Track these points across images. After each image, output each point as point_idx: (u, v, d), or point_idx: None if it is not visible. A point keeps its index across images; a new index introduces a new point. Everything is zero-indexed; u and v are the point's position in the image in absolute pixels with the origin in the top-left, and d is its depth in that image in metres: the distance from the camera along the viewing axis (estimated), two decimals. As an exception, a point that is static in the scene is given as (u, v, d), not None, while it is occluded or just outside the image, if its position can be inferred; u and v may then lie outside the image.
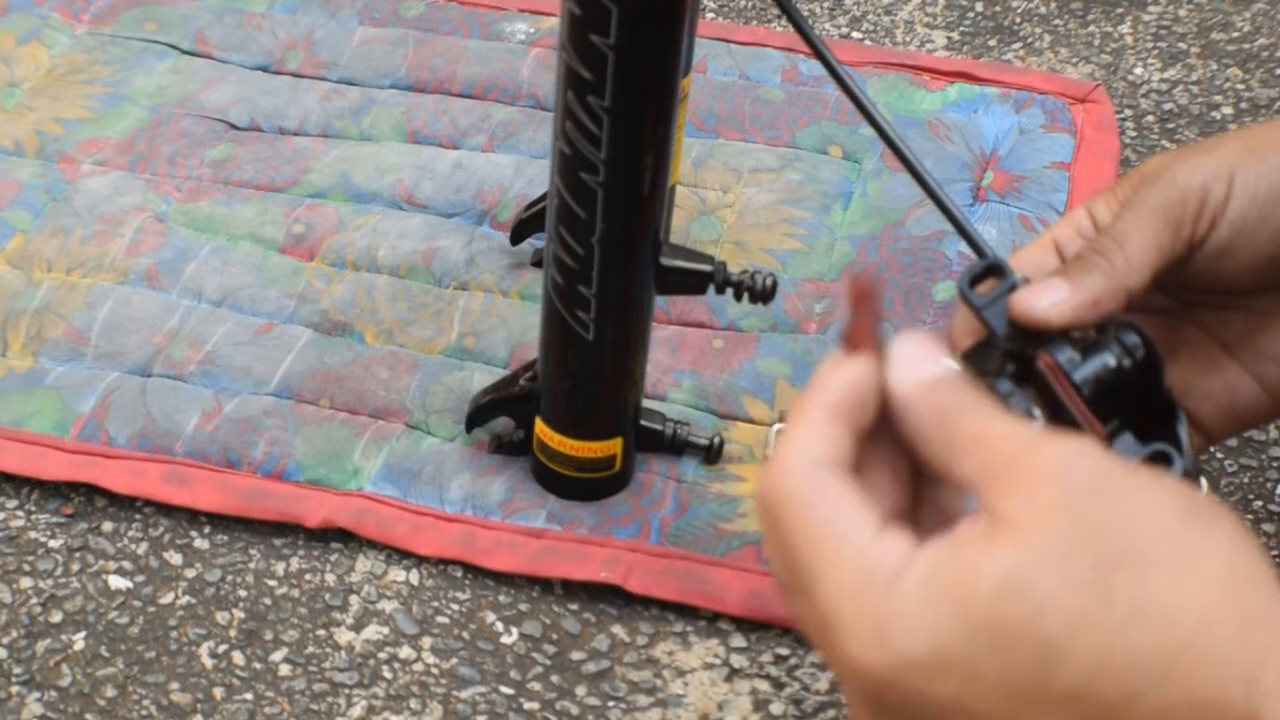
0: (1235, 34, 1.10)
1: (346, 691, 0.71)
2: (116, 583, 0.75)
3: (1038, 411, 0.54)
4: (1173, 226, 0.60)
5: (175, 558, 0.76)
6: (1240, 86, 1.06)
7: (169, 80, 1.02)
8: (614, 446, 0.76)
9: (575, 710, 0.71)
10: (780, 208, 0.94)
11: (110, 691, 0.71)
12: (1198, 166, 0.60)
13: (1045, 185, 0.96)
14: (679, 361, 0.85)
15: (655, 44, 0.65)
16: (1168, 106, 1.04)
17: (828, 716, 0.71)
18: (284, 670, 0.72)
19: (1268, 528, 0.79)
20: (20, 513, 0.78)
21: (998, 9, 1.12)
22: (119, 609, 0.74)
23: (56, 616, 0.74)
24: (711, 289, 0.74)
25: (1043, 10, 1.12)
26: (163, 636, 0.73)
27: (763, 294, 0.74)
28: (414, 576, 0.76)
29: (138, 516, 0.78)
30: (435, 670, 0.72)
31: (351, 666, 0.72)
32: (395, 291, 0.88)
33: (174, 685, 0.71)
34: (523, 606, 0.75)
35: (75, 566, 0.76)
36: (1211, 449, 0.82)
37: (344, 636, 0.73)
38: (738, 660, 0.73)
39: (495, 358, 0.85)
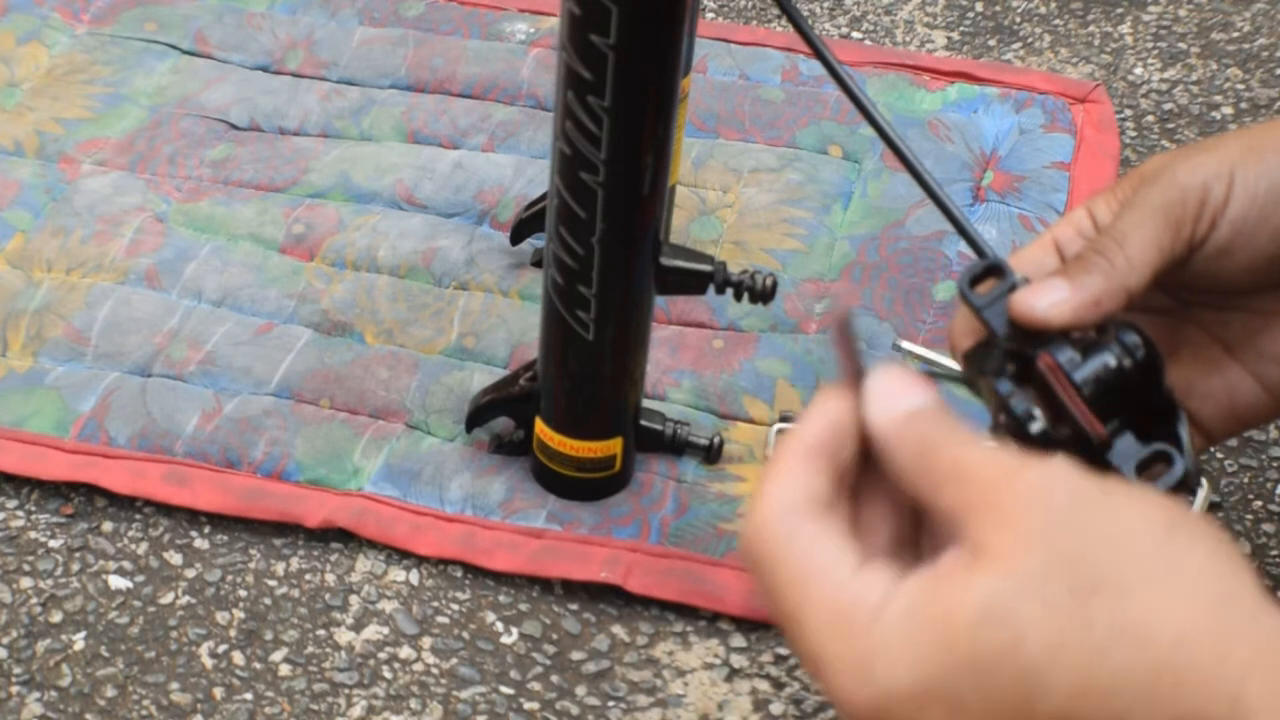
0: (1235, 34, 1.10)
1: (346, 691, 0.71)
2: (116, 583, 0.75)
3: (1038, 412, 0.54)
4: (1173, 226, 0.60)
5: (175, 558, 0.76)
6: (1240, 86, 1.06)
7: (169, 80, 1.02)
8: (614, 446, 0.76)
9: (575, 710, 0.71)
10: (780, 208, 0.94)
11: (110, 691, 0.71)
12: (1198, 166, 0.60)
13: (1045, 185, 0.96)
14: (679, 361, 0.85)
15: (655, 44, 0.65)
16: (1168, 106, 1.04)
17: (828, 716, 0.71)
18: (284, 670, 0.72)
19: (1268, 528, 0.79)
20: (20, 513, 0.78)
21: (998, 9, 1.12)
22: (119, 609, 0.74)
23: (56, 616, 0.74)
24: (711, 289, 0.74)
25: (1043, 10, 1.12)
26: (163, 636, 0.73)
27: (763, 294, 0.74)
28: (414, 576, 0.76)
29: (138, 516, 0.78)
30: (435, 670, 0.72)
31: (351, 666, 0.72)
32: (395, 291, 0.88)
33: (174, 685, 0.71)
34: (523, 606, 0.75)
35: (75, 566, 0.76)
36: (1211, 449, 0.82)
37: (344, 636, 0.73)
38: (738, 660, 0.73)
39: (495, 358, 0.85)
